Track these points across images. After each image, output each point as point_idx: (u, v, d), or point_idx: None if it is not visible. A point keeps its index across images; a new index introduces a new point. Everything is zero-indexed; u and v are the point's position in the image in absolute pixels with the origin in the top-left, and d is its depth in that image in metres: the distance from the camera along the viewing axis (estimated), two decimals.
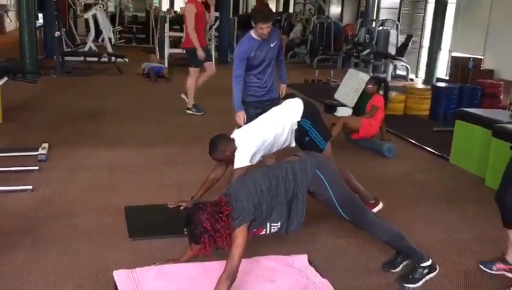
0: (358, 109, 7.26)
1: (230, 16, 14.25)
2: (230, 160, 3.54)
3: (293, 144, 3.80)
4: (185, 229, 2.63)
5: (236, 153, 3.49)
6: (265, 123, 3.70)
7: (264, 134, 3.59)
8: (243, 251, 2.55)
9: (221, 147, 3.52)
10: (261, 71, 4.27)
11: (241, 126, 4.07)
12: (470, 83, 8.36)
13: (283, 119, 3.68)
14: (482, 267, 3.15)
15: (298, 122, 3.67)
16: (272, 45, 4.23)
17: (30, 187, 4.03)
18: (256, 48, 4.14)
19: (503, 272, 3.09)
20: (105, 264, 2.97)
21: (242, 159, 3.46)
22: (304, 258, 3.07)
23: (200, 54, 6.85)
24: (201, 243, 2.57)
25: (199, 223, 2.53)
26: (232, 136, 3.63)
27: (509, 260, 3.09)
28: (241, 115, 4.23)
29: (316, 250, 3.27)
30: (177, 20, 15.28)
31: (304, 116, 3.68)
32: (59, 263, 2.99)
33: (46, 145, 4.98)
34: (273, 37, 4.22)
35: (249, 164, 3.49)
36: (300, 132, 3.70)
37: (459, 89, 7.65)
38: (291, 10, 20.13)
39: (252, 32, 4.16)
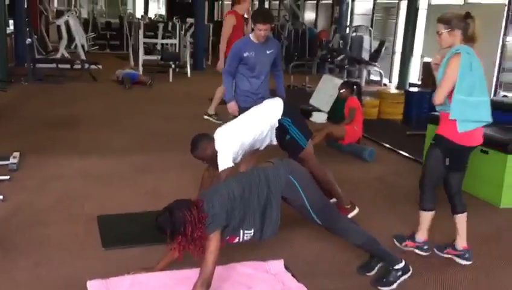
0: (334, 114, 7.33)
1: (206, 23, 14.25)
2: (211, 159, 3.52)
3: (274, 142, 3.82)
4: (158, 218, 2.60)
5: (218, 156, 3.47)
6: (245, 123, 3.69)
7: (243, 135, 3.59)
8: (217, 257, 2.55)
9: (201, 145, 3.50)
10: (254, 76, 4.29)
11: (235, 116, 4.09)
12: None
13: (263, 120, 3.70)
14: (394, 241, 3.46)
15: (278, 120, 3.70)
16: (267, 52, 4.27)
17: (0, 197, 3.93)
18: (250, 49, 4.19)
19: (412, 249, 3.38)
20: (78, 274, 2.92)
21: (225, 161, 3.44)
22: (280, 263, 3.07)
23: (220, 65, 6.58)
24: (171, 239, 2.57)
25: (182, 222, 2.52)
26: (214, 135, 3.60)
27: (418, 239, 3.37)
28: (232, 105, 4.28)
29: (292, 255, 3.27)
30: (152, 27, 15.23)
31: (284, 114, 3.72)
32: (31, 274, 2.92)
33: (17, 154, 4.88)
34: (270, 44, 4.30)
35: (233, 164, 3.48)
36: (280, 130, 3.73)
37: (431, 94, 7.75)
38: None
39: (251, 35, 4.25)
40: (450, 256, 3.36)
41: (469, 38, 3.06)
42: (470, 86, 3.00)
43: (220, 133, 3.60)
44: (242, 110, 4.19)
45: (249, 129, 3.65)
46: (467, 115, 3.04)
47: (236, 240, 2.79)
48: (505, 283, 3.13)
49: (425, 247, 3.38)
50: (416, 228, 3.41)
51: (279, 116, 3.72)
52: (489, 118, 3.10)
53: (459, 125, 3.05)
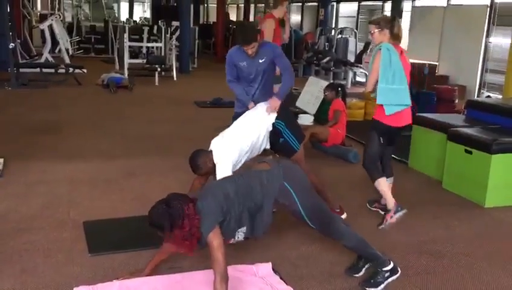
0: (320, 116, 7.36)
1: (191, 26, 14.22)
2: (213, 171, 3.48)
3: (268, 146, 3.80)
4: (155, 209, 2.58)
5: (217, 167, 3.43)
6: (241, 130, 3.66)
7: (241, 142, 3.57)
8: (224, 251, 2.53)
9: (202, 161, 3.46)
10: (249, 85, 4.11)
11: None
12: (425, 89, 8.61)
13: (259, 124, 3.68)
14: (367, 205, 4.18)
15: (272, 123, 3.69)
16: (260, 61, 4.01)
17: None
18: (243, 59, 3.98)
19: (378, 210, 4.07)
20: (65, 281, 2.89)
21: (224, 172, 3.38)
22: (268, 266, 3.07)
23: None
24: (170, 232, 2.53)
25: (180, 214, 2.49)
26: (210, 148, 3.56)
27: (390, 207, 3.81)
28: (252, 105, 3.96)
29: (280, 258, 3.27)
30: (137, 30, 15.14)
31: (277, 117, 3.71)
32: (16, 282, 2.89)
33: (0, 160, 4.82)
34: (262, 53, 3.99)
35: (232, 174, 3.42)
36: (274, 133, 3.72)
37: (416, 95, 7.85)
38: (251, 19, 20.26)
39: None
40: (376, 209, 4.06)
41: (395, 37, 3.73)
42: (391, 76, 3.63)
43: (217, 144, 3.55)
44: (237, 115, 4.05)
45: (245, 135, 3.62)
46: (390, 99, 3.67)
47: (232, 241, 2.79)
48: (490, 282, 3.16)
49: (399, 208, 3.74)
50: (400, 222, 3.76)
51: (273, 120, 3.71)
52: (408, 102, 3.74)
53: (386, 109, 3.70)
